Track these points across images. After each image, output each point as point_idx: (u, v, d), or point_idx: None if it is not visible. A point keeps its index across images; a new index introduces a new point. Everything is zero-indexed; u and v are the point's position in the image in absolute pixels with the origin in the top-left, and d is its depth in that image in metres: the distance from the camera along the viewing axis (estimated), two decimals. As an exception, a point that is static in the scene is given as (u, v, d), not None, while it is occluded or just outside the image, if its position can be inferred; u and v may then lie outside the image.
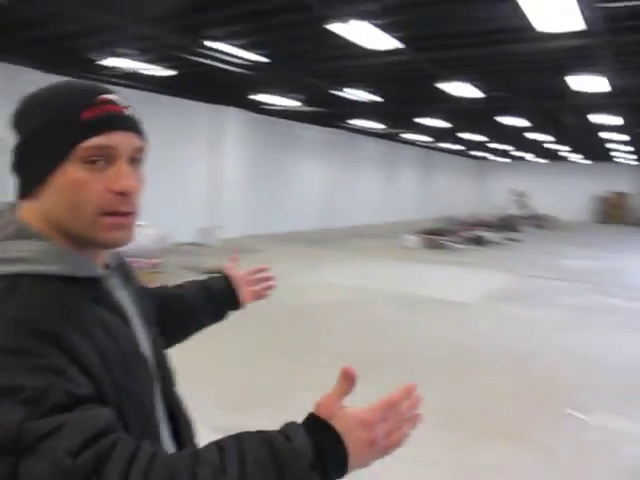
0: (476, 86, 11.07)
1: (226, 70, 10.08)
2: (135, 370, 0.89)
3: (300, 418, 0.84)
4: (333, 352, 5.76)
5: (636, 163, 29.45)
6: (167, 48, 8.90)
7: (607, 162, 30.14)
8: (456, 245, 15.89)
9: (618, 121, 14.95)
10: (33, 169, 0.85)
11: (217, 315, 1.46)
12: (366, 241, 16.31)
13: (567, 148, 25.14)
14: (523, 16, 6.29)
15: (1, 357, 0.71)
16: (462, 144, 24.67)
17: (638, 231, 26.65)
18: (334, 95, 12.48)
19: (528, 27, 6.69)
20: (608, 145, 22.43)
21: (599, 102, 12.20)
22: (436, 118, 16.02)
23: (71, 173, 0.83)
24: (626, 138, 19.38)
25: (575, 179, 32.20)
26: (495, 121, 16.21)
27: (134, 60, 9.71)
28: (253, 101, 13.41)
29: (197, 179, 14.57)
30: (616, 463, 3.76)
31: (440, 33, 8.02)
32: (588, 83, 10.04)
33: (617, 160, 29.13)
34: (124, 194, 0.87)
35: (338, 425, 0.82)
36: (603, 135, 19.03)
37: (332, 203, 20.52)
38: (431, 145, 24.90)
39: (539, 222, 26.23)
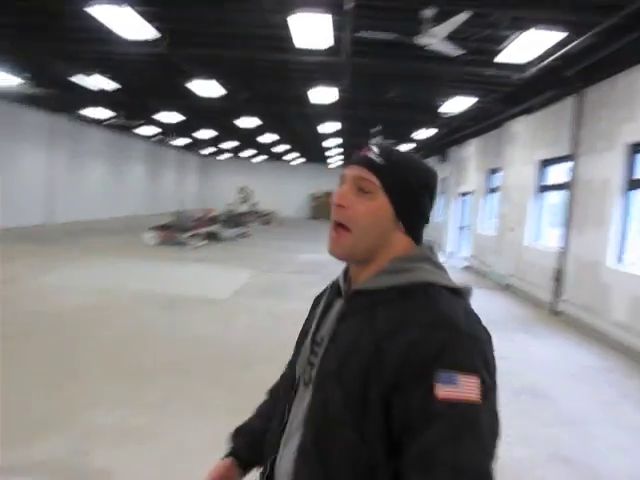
0: (221, 85, 11.31)
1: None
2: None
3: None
4: (107, 363, 5.36)
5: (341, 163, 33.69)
6: None
7: (324, 164, 33.66)
8: (194, 242, 16.00)
9: (334, 128, 16.89)
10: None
11: None
12: (102, 238, 15.33)
13: (291, 150, 27.29)
14: (287, 28, 6.73)
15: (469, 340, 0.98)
16: (193, 140, 24.85)
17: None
18: (69, 80, 11.45)
19: (287, 39, 7.16)
20: (325, 149, 25.09)
21: (327, 111, 13.60)
22: (175, 112, 15.87)
23: None
24: (336, 142, 21.98)
25: (295, 178, 35.21)
26: (231, 120, 16.77)
27: None
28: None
29: None
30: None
31: (200, 31, 8.05)
32: (324, 95, 11.12)
33: (330, 162, 32.77)
34: (335, 205, 1.13)
35: None
36: (323, 140, 21.18)
37: (55, 196, 18.70)
38: (162, 140, 24.48)
39: (264, 218, 27.91)
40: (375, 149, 1.14)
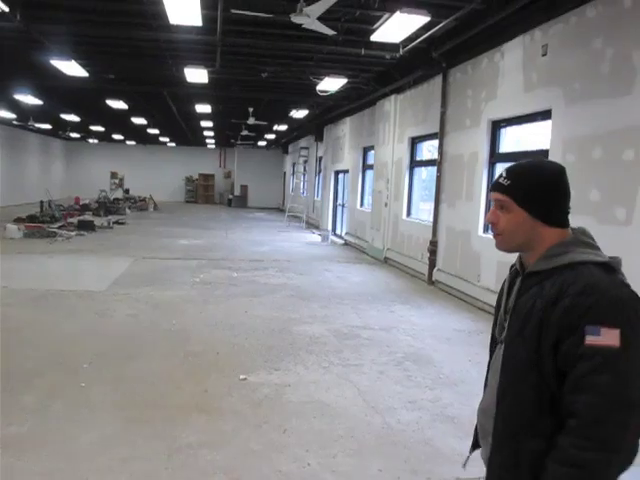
0: (84, 64, 10.60)
1: None
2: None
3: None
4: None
5: (214, 147, 33.23)
6: None
7: (198, 146, 32.85)
8: (65, 232, 15.01)
9: (207, 109, 16.54)
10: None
11: None
12: (-47, 233, 13.89)
13: (164, 132, 26.31)
14: (157, 4, 6.42)
15: (611, 301, 1.35)
16: (58, 123, 23.16)
17: (222, 209, 29.98)
18: None
19: (160, 15, 6.84)
20: (200, 131, 24.51)
21: (202, 92, 13.25)
22: (34, 94, 14.65)
23: None
24: (211, 124, 21.57)
25: (169, 162, 34.04)
26: (98, 102, 15.82)
27: None
28: None
29: None
30: (284, 408, 4.43)
31: (59, 4, 7.47)
32: (198, 75, 10.80)
33: (206, 144, 32.13)
34: (489, 222, 1.61)
35: None
36: (197, 122, 20.66)
37: None
38: (21, 124, 22.53)
39: (139, 204, 26.80)
40: (504, 173, 1.56)
